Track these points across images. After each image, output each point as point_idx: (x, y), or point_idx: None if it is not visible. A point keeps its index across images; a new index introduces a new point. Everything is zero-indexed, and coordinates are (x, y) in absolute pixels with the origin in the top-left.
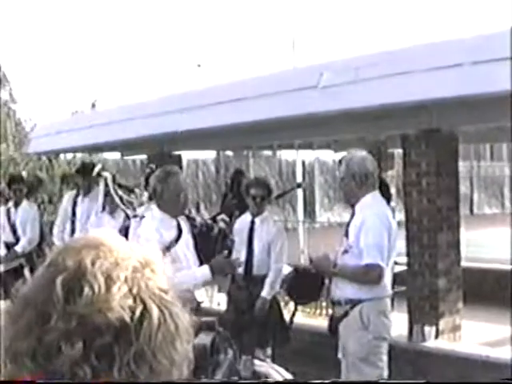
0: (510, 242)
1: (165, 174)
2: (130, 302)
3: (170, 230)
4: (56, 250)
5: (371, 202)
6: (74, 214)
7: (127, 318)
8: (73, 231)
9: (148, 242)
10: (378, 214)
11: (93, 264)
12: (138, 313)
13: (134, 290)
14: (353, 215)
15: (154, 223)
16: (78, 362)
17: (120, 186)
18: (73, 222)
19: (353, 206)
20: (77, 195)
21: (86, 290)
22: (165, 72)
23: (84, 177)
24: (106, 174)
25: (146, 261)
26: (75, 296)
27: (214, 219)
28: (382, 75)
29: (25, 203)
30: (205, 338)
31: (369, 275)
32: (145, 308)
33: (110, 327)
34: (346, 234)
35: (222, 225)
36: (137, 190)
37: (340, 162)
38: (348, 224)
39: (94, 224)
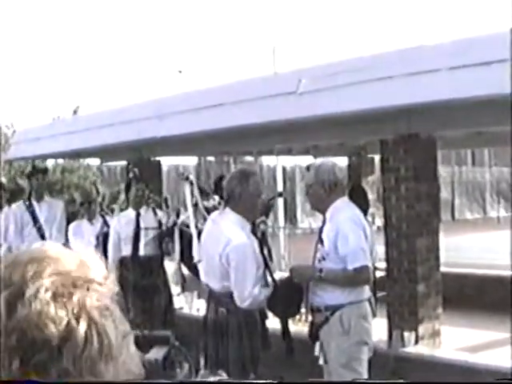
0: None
1: (243, 174)
2: (62, 317)
3: (250, 237)
4: (4, 264)
5: (341, 207)
6: (36, 221)
7: (61, 334)
8: (42, 237)
9: (241, 247)
10: (351, 217)
11: (33, 278)
12: (66, 328)
13: (68, 305)
14: (324, 222)
15: (238, 228)
16: (15, 379)
17: (200, 189)
18: (39, 229)
19: (322, 213)
20: (30, 201)
21: (25, 305)
22: (146, 78)
23: (37, 181)
24: (191, 177)
25: (85, 272)
26: (16, 312)
27: (253, 222)
28: (360, 81)
29: (6, 209)
30: (157, 352)
31: (360, 278)
32: (72, 323)
33: (46, 343)
34: (321, 242)
35: (262, 227)
36: (215, 196)
37: (308, 168)
38: (320, 231)
39: (73, 230)
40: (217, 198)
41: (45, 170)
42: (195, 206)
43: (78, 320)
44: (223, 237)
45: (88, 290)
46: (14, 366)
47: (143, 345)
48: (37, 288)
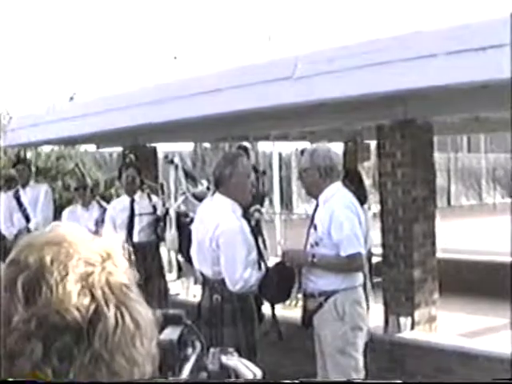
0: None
1: (232, 156)
2: (86, 301)
3: (240, 220)
4: (19, 247)
5: (335, 192)
6: (21, 205)
7: (84, 318)
8: (27, 219)
9: (233, 233)
10: (346, 204)
11: (52, 262)
12: (93, 312)
13: (92, 289)
14: (316, 207)
15: (228, 212)
16: (39, 364)
17: (186, 173)
18: (24, 212)
19: (315, 198)
20: (17, 189)
21: (44, 290)
22: (141, 64)
23: (22, 169)
24: (176, 161)
25: (107, 254)
26: (35, 296)
27: (247, 210)
28: (356, 66)
29: (2, 196)
30: (172, 333)
31: (353, 264)
32: (101, 307)
33: (68, 328)
34: (315, 227)
35: (257, 215)
36: (203, 181)
37: (302, 153)
38: (313, 216)
39: (67, 216)
40: (205, 183)
41: (25, 159)
42: (184, 193)
43: (106, 302)
44: (213, 221)
45: (108, 269)
46: (36, 350)
47: (156, 325)
48: (58, 273)
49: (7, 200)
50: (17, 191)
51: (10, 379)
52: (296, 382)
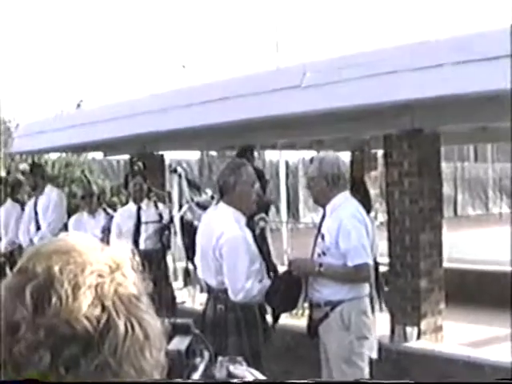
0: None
1: (235, 164)
2: (97, 311)
3: (244, 230)
4: (27, 255)
5: (343, 202)
6: (36, 213)
7: (93, 329)
8: (38, 228)
9: (235, 241)
10: (354, 214)
11: (61, 271)
12: (103, 322)
13: (102, 299)
14: (323, 216)
15: (231, 221)
16: (46, 374)
17: (189, 182)
18: (37, 221)
19: (323, 207)
20: (36, 197)
21: (54, 299)
22: (150, 72)
23: (36, 176)
24: (180, 170)
25: (117, 264)
26: (44, 306)
27: (251, 219)
28: (364, 75)
29: (8, 203)
30: (180, 343)
31: (360, 275)
32: (111, 317)
33: (77, 338)
34: (322, 237)
35: (262, 224)
36: (208, 190)
37: (311, 161)
38: (320, 225)
39: (74, 224)
40: (209, 192)
41: (40, 165)
42: (187, 202)
43: (116, 313)
44: (216, 230)
45: (117, 279)
46: (44, 360)
47: (165, 334)
48: (68, 283)
49: (15, 209)
50: (36, 200)
51: (11, 379)
52: (300, 381)
